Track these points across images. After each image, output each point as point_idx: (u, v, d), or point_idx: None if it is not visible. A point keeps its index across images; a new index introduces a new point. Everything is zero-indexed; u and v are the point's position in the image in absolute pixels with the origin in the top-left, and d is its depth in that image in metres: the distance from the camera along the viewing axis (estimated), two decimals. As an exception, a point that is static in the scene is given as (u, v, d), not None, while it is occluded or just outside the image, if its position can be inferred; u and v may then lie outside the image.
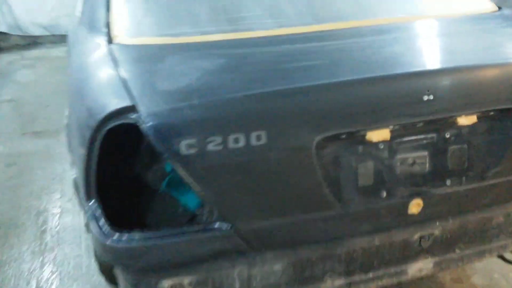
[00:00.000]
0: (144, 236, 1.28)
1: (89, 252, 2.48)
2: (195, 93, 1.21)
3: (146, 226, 1.43)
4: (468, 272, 2.38)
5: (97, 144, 1.26)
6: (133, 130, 1.28)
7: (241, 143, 1.21)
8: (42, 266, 2.43)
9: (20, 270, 2.41)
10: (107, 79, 1.34)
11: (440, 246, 1.61)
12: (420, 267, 1.63)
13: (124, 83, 1.27)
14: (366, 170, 1.38)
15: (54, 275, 2.38)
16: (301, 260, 1.46)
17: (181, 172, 1.22)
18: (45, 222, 2.76)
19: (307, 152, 1.27)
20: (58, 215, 2.82)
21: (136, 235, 1.28)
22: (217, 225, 1.30)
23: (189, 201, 1.39)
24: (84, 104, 1.36)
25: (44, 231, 2.67)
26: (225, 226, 1.31)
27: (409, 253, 1.58)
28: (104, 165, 1.31)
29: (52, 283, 2.33)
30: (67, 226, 2.72)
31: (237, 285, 1.44)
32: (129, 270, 1.36)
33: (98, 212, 1.32)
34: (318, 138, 1.27)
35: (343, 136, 1.32)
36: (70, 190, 3.02)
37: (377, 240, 1.51)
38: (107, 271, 2.19)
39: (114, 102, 1.23)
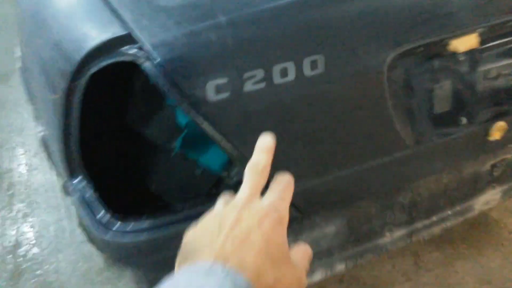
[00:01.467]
0: (160, 221, 0.91)
1: (71, 215, 2.12)
2: (219, 7, 0.80)
3: (154, 200, 1.07)
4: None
5: (77, 97, 0.85)
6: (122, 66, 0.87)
7: (291, 75, 0.83)
8: (18, 236, 2.05)
9: (-7, 245, 2.03)
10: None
11: (509, 172, 1.32)
12: (487, 199, 1.36)
13: (107, 1, 0.84)
14: (443, 92, 1.03)
15: (34, 248, 2.01)
16: (357, 218, 1.14)
17: (207, 127, 0.83)
18: (12, 183, 2.33)
19: (377, 77, 0.90)
20: (25, 174, 2.40)
21: (147, 222, 0.91)
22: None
23: (212, 160, 1.01)
24: (49, 38, 0.93)
25: (12, 195, 2.26)
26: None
27: (477, 185, 1.29)
28: (86, 120, 0.92)
29: (33, 258, 1.97)
30: (39, 186, 2.32)
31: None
32: (142, 269, 1.01)
33: (89, 192, 0.94)
34: (391, 56, 0.89)
35: (420, 49, 0.95)
36: (34, 143, 2.59)
37: (445, 178, 1.20)
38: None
39: (98, 32, 0.81)
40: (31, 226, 2.11)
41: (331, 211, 1.08)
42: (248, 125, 0.85)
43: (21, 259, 1.98)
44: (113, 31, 0.80)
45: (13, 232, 2.08)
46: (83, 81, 0.82)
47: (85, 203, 0.94)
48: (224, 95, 0.80)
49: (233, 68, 0.78)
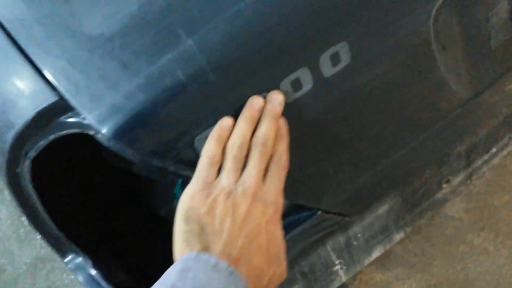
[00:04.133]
0: None
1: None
2: (175, 21, 0.53)
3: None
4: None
5: (25, 183, 0.62)
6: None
7: (306, 84, 0.57)
8: None
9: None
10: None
11: None
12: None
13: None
14: (500, 19, 0.76)
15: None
16: (411, 187, 0.94)
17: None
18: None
19: (423, 37, 0.64)
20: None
21: None
22: (297, 217, 0.74)
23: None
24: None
25: (19, 215, 2.04)
26: (308, 213, 0.74)
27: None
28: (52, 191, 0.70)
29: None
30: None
31: (333, 257, 0.94)
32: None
33: (92, 270, 0.74)
34: (437, 5, 0.62)
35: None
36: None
37: (504, 109, 0.97)
38: None
39: (17, 107, 0.55)
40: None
41: (383, 198, 0.88)
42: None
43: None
44: (37, 98, 0.54)
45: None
46: (24, 167, 0.58)
47: (94, 284, 0.75)
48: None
49: (225, 108, 0.53)
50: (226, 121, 0.53)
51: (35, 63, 0.59)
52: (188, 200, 0.50)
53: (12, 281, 1.85)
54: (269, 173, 0.52)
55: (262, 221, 0.49)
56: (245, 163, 0.52)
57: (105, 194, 0.94)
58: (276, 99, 0.54)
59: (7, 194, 2.09)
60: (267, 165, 0.53)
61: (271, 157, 0.53)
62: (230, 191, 0.49)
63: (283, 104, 0.54)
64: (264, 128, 0.52)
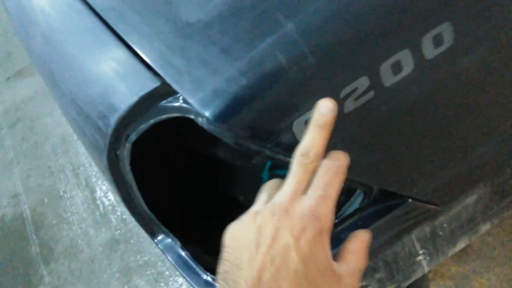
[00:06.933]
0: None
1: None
2: (273, 6, 0.52)
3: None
4: None
5: (124, 166, 0.64)
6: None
7: (407, 66, 0.55)
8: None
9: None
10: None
11: None
12: None
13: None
14: None
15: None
16: (503, 177, 0.89)
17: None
18: (89, 182, 2.23)
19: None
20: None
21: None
22: (387, 204, 0.72)
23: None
24: (70, 98, 0.70)
25: (95, 199, 2.15)
26: (399, 201, 0.72)
27: None
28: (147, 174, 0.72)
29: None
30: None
31: (417, 247, 0.92)
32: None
33: (182, 251, 0.76)
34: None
35: None
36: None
37: None
38: None
39: (118, 92, 0.57)
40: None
41: (474, 187, 0.84)
42: (360, 147, 0.60)
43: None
44: (139, 84, 0.55)
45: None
46: (124, 151, 0.61)
47: (183, 264, 0.77)
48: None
49: (323, 91, 0.52)
50: None
51: (134, 49, 0.60)
52: (225, 236, 0.46)
53: (88, 261, 1.94)
54: (313, 182, 0.45)
55: (290, 240, 0.41)
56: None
57: (186, 179, 0.96)
58: (324, 106, 0.47)
59: (82, 179, 2.20)
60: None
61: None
62: (257, 211, 0.44)
63: (334, 112, 0.47)
64: (307, 139, 0.47)
